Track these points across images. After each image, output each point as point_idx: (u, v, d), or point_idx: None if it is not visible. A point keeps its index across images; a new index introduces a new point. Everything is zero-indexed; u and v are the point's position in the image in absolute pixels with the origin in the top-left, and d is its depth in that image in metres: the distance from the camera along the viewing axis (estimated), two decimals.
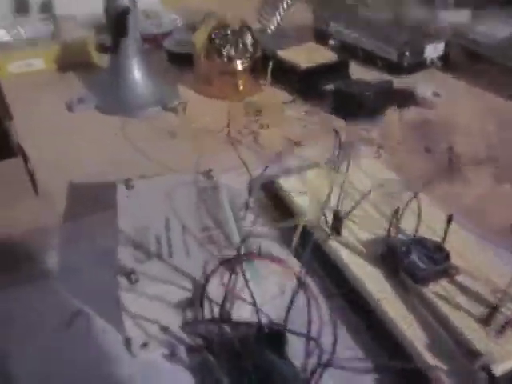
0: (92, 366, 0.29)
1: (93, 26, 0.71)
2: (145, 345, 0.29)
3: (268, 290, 0.32)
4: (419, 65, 0.69)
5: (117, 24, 0.51)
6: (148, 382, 0.28)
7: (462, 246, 0.33)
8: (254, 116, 0.56)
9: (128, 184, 0.35)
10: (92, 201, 0.41)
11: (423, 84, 0.61)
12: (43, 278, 0.34)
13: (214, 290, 0.28)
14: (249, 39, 0.59)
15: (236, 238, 0.31)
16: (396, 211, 0.33)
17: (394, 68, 0.68)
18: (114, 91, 0.57)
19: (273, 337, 0.27)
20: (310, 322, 0.25)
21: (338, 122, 0.56)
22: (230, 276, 0.27)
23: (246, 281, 0.27)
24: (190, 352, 0.29)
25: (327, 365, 0.23)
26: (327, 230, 0.35)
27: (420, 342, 0.28)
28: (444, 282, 0.31)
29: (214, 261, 0.29)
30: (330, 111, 0.58)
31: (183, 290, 0.28)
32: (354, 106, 0.56)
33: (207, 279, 0.27)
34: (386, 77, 0.65)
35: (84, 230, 0.38)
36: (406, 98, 0.60)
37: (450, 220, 0.31)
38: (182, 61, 0.68)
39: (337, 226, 0.35)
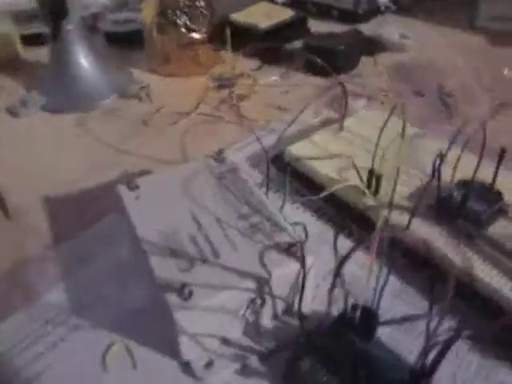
0: None
1: (10, 17, 0.61)
2: (209, 365, 0.24)
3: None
4: (374, 11, 0.67)
5: (53, 3, 0.43)
6: None
7: (507, 182, 0.31)
8: (226, 89, 0.51)
9: (131, 185, 0.30)
10: (79, 213, 0.35)
11: (387, 28, 0.59)
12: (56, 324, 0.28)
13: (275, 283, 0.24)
14: (202, 3, 0.53)
15: (283, 221, 0.27)
16: (441, 155, 0.30)
17: (350, 17, 0.66)
18: (61, 86, 0.49)
19: (363, 321, 0.24)
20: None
21: (315, 80, 0.53)
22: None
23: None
24: (264, 359, 0.25)
25: (452, 340, 0.20)
26: (367, 191, 0.31)
27: (506, 286, 0.26)
28: (502, 222, 0.29)
29: (271, 251, 0.25)
30: (303, 71, 0.55)
31: (244, 292, 0.24)
32: (329, 60, 0.52)
33: (341, 264, 0.22)
34: (345, 27, 0.63)
35: (86, 247, 0.32)
36: (375, 45, 0.57)
37: (503, 152, 0.28)
38: (124, 42, 0.61)
39: (375, 185, 0.32)
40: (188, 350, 0.24)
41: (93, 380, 0.25)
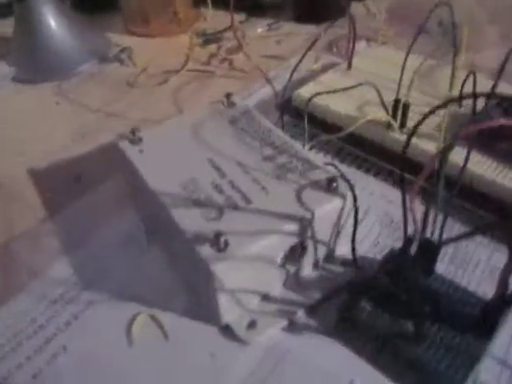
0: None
1: None
2: (252, 325, 0.21)
3: None
4: None
5: None
6: (293, 371, 0.20)
7: None
8: (213, 44, 0.47)
9: (133, 138, 0.26)
10: (70, 183, 0.31)
11: None
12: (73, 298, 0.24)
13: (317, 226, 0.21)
14: None
15: (313, 157, 0.24)
16: (473, 73, 0.27)
17: None
18: (31, 53, 0.44)
19: (420, 254, 0.21)
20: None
21: (307, 28, 0.49)
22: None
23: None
24: (312, 312, 0.22)
25: None
26: (394, 123, 0.28)
27: None
28: None
29: (308, 189, 0.22)
30: (293, 19, 0.51)
31: (285, 236, 0.21)
32: (321, 6, 0.49)
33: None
34: None
35: (86, 216, 0.28)
36: None
37: None
38: (96, 6, 0.56)
39: (402, 117, 0.29)
40: (227, 310, 0.21)
41: (118, 358, 0.21)
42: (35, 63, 0.44)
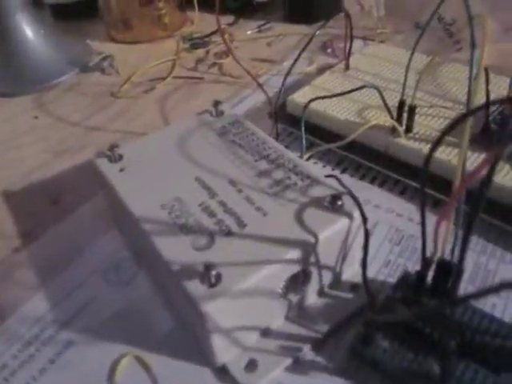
0: None
1: None
2: (251, 365, 0.19)
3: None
4: None
5: None
6: None
7: None
8: (200, 49, 0.44)
9: (112, 155, 0.23)
10: (49, 205, 0.29)
11: None
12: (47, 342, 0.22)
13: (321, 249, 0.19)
14: None
15: (314, 172, 0.21)
16: (486, 72, 0.25)
17: None
18: (8, 64, 0.41)
19: (439, 279, 0.18)
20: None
21: (299, 28, 0.47)
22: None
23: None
24: (319, 347, 0.19)
25: None
26: (400, 128, 0.26)
27: None
28: None
29: (311, 208, 0.19)
30: (284, 20, 0.49)
31: (286, 265, 0.18)
32: (312, 5, 0.47)
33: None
34: None
35: (64, 243, 0.26)
36: None
37: None
38: (74, 14, 0.53)
39: (407, 121, 0.26)
40: (223, 349, 0.18)
41: None
42: (12, 75, 0.41)
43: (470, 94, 0.15)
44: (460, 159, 0.16)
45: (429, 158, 0.13)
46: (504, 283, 0.11)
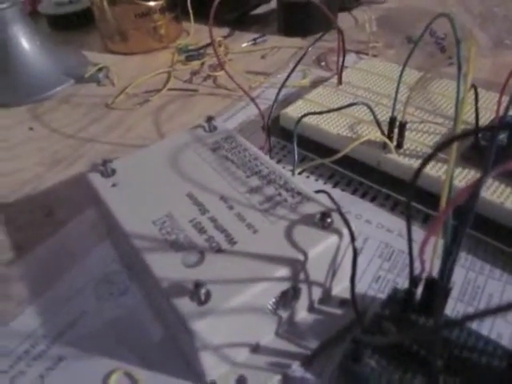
0: None
1: None
2: (241, 382, 0.19)
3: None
4: None
5: None
6: None
7: None
8: (195, 61, 0.45)
9: (105, 169, 0.23)
10: (42, 218, 0.29)
11: None
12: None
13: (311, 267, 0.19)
14: None
15: (304, 188, 0.21)
16: (475, 89, 0.25)
17: None
18: (4, 75, 0.41)
19: (427, 297, 0.19)
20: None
21: (293, 41, 0.47)
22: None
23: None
24: (309, 364, 0.19)
25: None
26: (390, 144, 0.26)
27: None
28: None
29: (301, 226, 0.19)
30: (278, 33, 0.49)
31: (275, 283, 0.18)
32: (307, 18, 0.47)
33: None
34: None
35: (56, 257, 0.26)
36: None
37: None
38: (71, 24, 0.54)
39: (398, 137, 0.27)
40: (212, 366, 0.18)
41: None
42: (7, 86, 0.41)
43: (456, 119, 0.15)
44: (447, 180, 0.16)
45: (410, 187, 0.14)
46: (499, 307, 0.11)
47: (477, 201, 0.15)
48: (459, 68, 0.17)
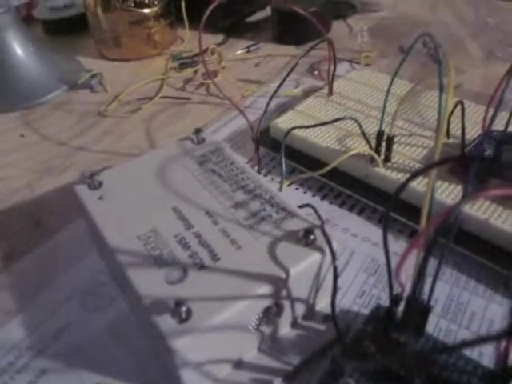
0: None
1: None
2: None
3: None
4: None
5: None
6: None
7: None
8: (189, 68, 0.45)
9: (92, 182, 0.23)
10: (30, 228, 0.29)
11: None
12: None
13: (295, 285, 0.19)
14: None
15: (290, 204, 0.22)
16: (461, 103, 0.25)
17: None
18: None
19: (408, 315, 0.19)
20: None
21: (288, 50, 0.47)
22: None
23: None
24: (291, 380, 0.20)
25: None
26: (378, 158, 0.26)
27: None
28: None
29: (284, 242, 0.20)
30: (272, 40, 0.49)
31: (257, 300, 0.18)
32: (301, 26, 0.47)
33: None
34: None
35: (43, 266, 0.26)
36: (346, 7, 0.52)
37: None
38: (65, 30, 0.54)
39: (386, 151, 0.27)
40: (194, 383, 0.18)
41: None
42: (1, 92, 0.41)
43: (436, 144, 0.15)
44: (426, 202, 0.16)
45: (387, 215, 0.14)
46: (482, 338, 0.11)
47: (455, 226, 0.15)
48: (441, 90, 0.17)
